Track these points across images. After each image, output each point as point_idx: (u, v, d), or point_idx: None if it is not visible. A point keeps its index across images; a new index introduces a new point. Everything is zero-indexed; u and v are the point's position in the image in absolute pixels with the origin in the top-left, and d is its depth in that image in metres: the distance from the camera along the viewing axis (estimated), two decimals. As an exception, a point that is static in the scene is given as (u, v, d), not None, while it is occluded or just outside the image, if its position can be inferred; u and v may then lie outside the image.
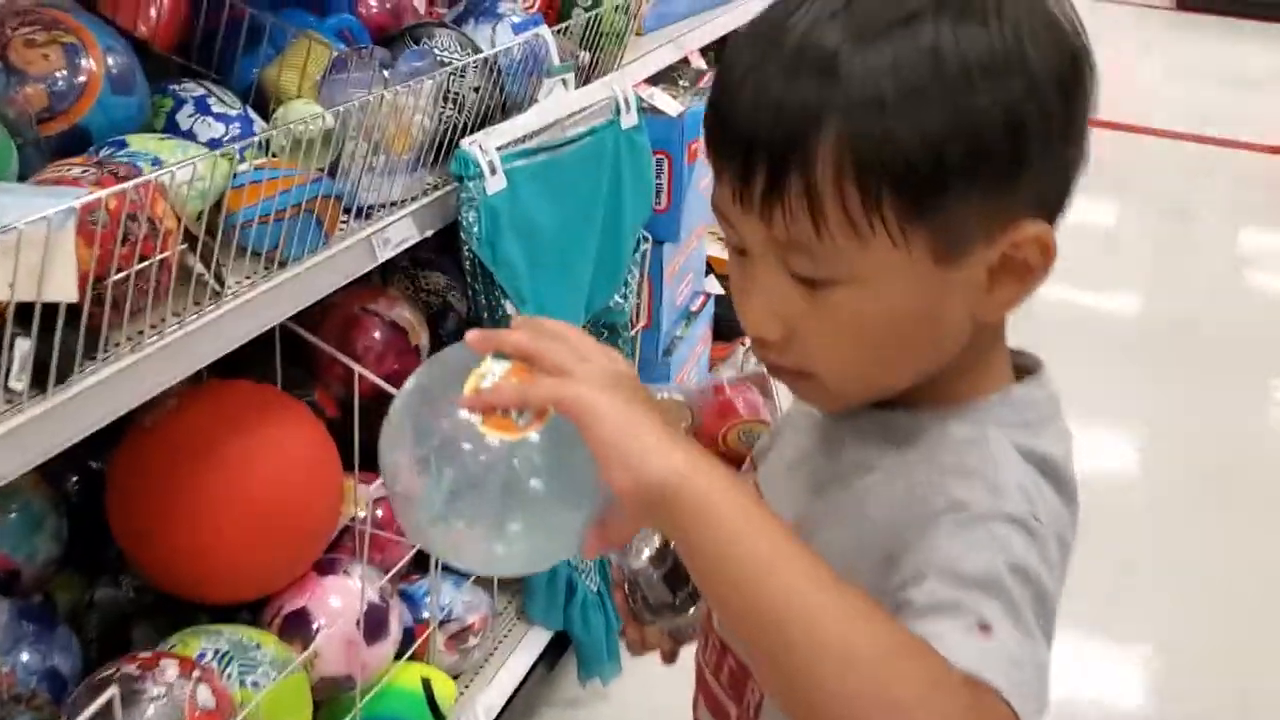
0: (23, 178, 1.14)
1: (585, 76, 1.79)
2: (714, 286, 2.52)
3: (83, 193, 0.97)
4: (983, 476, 0.67)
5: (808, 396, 0.76)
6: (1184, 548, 2.51)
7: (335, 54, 1.36)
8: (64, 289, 0.95)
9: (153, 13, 1.35)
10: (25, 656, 1.28)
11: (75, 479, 1.52)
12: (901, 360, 0.72)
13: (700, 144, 2.21)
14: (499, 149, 1.54)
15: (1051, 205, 0.70)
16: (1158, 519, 2.62)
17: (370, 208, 1.42)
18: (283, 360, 1.61)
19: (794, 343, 0.71)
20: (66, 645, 1.30)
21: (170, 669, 1.19)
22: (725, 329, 2.60)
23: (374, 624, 1.45)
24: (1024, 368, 0.77)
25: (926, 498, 0.67)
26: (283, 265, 1.26)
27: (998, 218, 0.67)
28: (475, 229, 1.52)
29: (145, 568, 1.39)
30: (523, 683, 1.81)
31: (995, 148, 0.65)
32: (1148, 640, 2.29)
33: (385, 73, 1.37)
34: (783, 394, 0.84)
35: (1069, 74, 0.68)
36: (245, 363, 1.57)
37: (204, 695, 1.18)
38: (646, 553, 0.86)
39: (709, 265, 2.52)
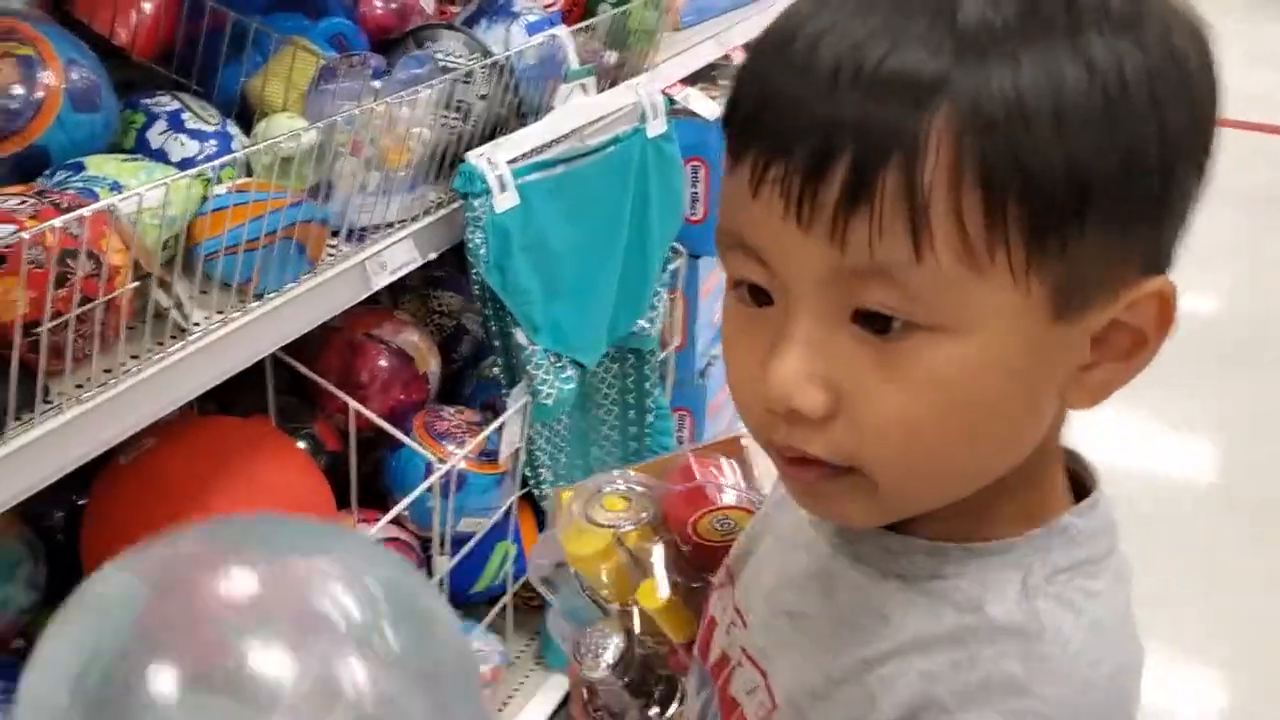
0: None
1: (613, 79, 1.66)
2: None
3: (4, 231, 0.86)
4: (1040, 696, 0.52)
5: (839, 506, 0.56)
6: (1268, 559, 2.33)
7: (323, 62, 1.24)
8: (-23, 342, 0.84)
9: (132, 17, 1.24)
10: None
11: (60, 514, 1.43)
12: (982, 449, 0.53)
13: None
14: (510, 162, 1.41)
15: (1170, 255, 0.54)
16: (1237, 528, 2.45)
17: (364, 229, 1.30)
18: (284, 388, 1.51)
19: (839, 420, 0.52)
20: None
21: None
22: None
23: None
24: (1073, 475, 0.60)
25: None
26: (259, 298, 1.15)
27: (1122, 266, 0.51)
28: (482, 251, 1.39)
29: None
30: (542, 731, 1.69)
31: (1145, 183, 0.50)
32: (1228, 659, 2.12)
33: (377, 82, 1.24)
34: (764, 465, 0.66)
35: (1214, 101, 0.53)
36: (243, 390, 1.47)
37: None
38: (607, 659, 0.73)
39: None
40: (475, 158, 1.38)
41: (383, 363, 1.54)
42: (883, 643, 0.57)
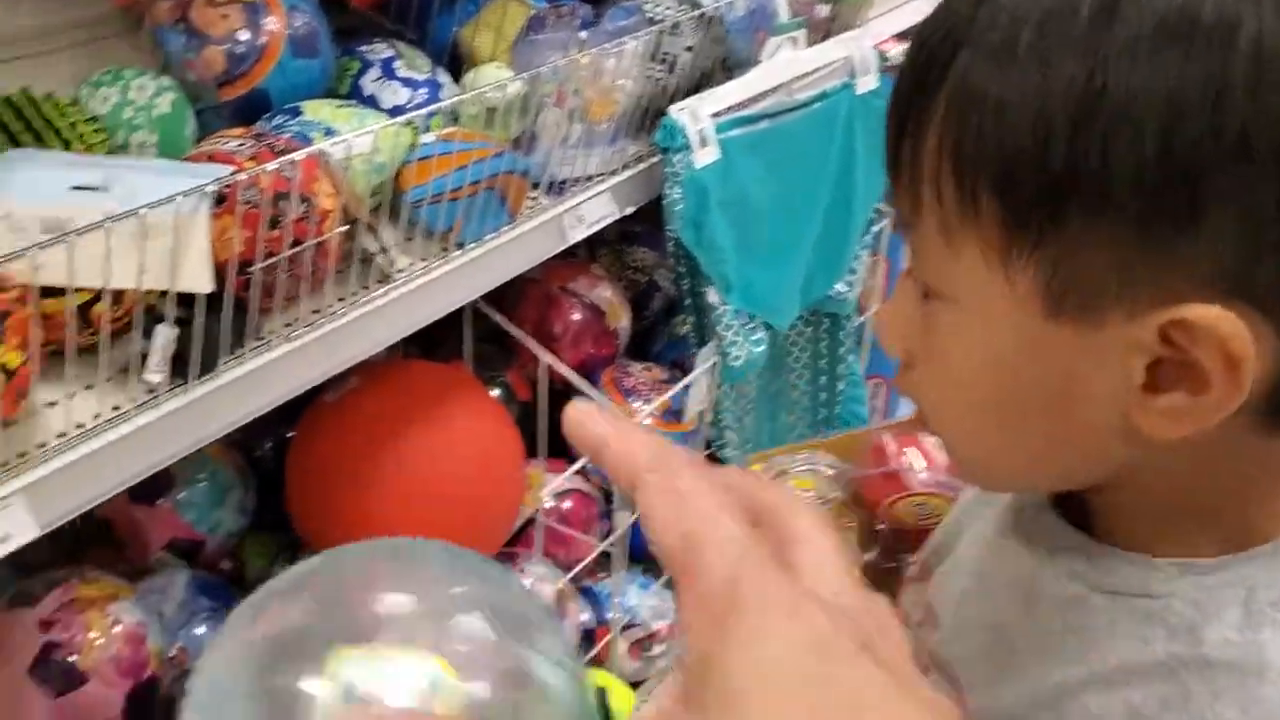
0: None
1: (824, 32, 1.60)
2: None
3: (223, 172, 0.89)
4: None
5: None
6: None
7: (533, 12, 1.24)
8: (197, 279, 0.87)
9: (352, -34, 1.27)
10: (200, 633, 1.26)
11: (269, 445, 1.50)
12: (1029, 436, 0.52)
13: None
14: (713, 116, 1.38)
15: (1261, 293, 0.45)
16: None
17: (564, 182, 1.30)
18: (481, 336, 1.54)
19: (911, 371, 0.56)
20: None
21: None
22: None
23: (547, 629, 1.35)
24: None
25: None
26: (460, 247, 1.16)
27: (1143, 279, 0.46)
28: (679, 207, 1.37)
29: (319, 546, 1.34)
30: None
31: (1150, 162, 0.44)
32: None
33: (584, 33, 1.23)
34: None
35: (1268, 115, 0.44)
36: (442, 337, 1.50)
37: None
38: None
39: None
40: (677, 111, 1.36)
41: (576, 316, 1.54)
42: (1087, 666, 0.52)
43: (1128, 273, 0.46)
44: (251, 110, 1.12)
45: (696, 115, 1.36)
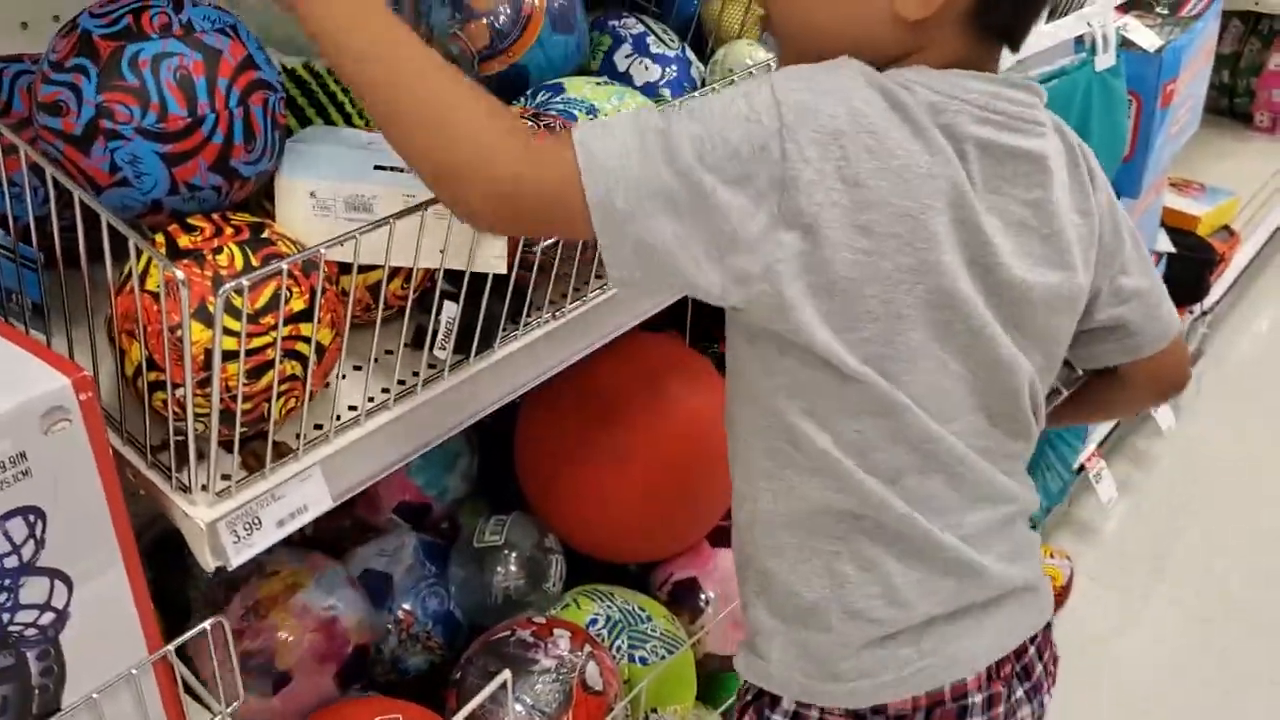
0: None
1: (1063, 8, 1.54)
2: (1165, 244, 2.19)
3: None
4: (798, 70, 0.76)
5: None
6: None
7: (784, -13, 1.21)
8: (493, 261, 0.88)
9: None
10: (425, 598, 1.29)
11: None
12: (814, 13, 0.80)
13: (1176, 86, 1.88)
14: (951, 94, 1.34)
15: None
16: None
17: (803, 159, 1.27)
18: (695, 307, 1.53)
19: None
20: (463, 588, 1.30)
21: (563, 640, 1.15)
22: (1177, 293, 2.27)
23: (765, 607, 1.35)
24: None
25: None
26: (709, 225, 1.15)
27: None
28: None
29: (543, 514, 1.36)
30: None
31: None
32: None
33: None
34: None
35: None
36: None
37: (592, 674, 1.13)
38: None
39: (1162, 220, 2.19)
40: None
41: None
42: None
43: None
44: (510, 86, 1.12)
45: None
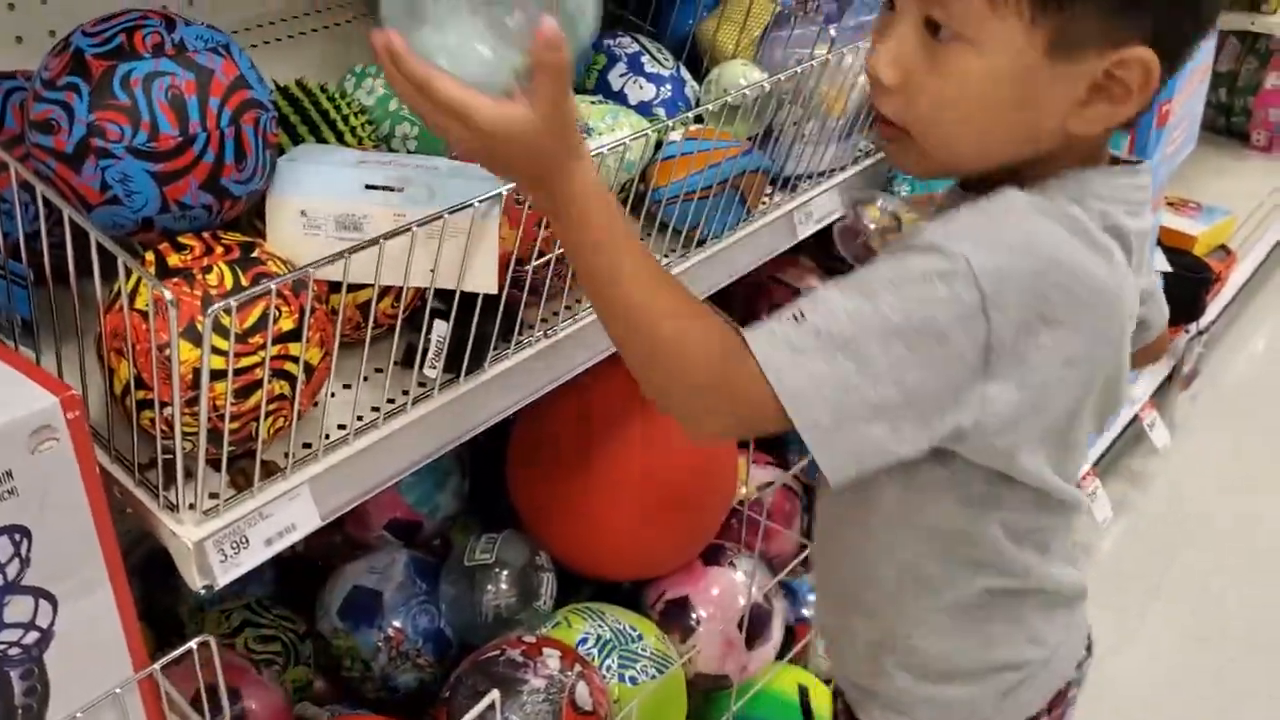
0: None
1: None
2: (1162, 263, 2.19)
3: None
4: (971, 224, 0.74)
5: (899, 156, 0.82)
6: None
7: (778, 8, 1.22)
8: (484, 281, 0.88)
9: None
10: (416, 616, 1.29)
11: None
12: (990, 135, 0.77)
13: (1172, 106, 1.88)
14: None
15: (1166, 47, 0.73)
16: None
17: (793, 178, 1.28)
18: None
19: (904, 92, 0.77)
20: (454, 606, 1.29)
21: (552, 659, 1.14)
22: (1174, 312, 2.26)
23: (756, 626, 1.36)
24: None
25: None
26: (701, 244, 1.16)
27: (1116, 34, 0.72)
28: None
29: (535, 532, 1.35)
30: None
31: None
32: None
33: (832, 29, 1.21)
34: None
35: None
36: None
37: (582, 694, 1.12)
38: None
39: (1158, 239, 2.19)
40: (911, 108, 1.32)
41: (783, 305, 1.52)
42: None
43: (1107, 29, 0.72)
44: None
45: (929, 112, 1.33)
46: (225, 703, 0.88)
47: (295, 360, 0.80)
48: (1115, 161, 0.82)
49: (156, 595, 1.30)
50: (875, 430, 0.72)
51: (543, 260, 0.95)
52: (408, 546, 1.36)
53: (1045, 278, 0.72)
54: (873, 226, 1.31)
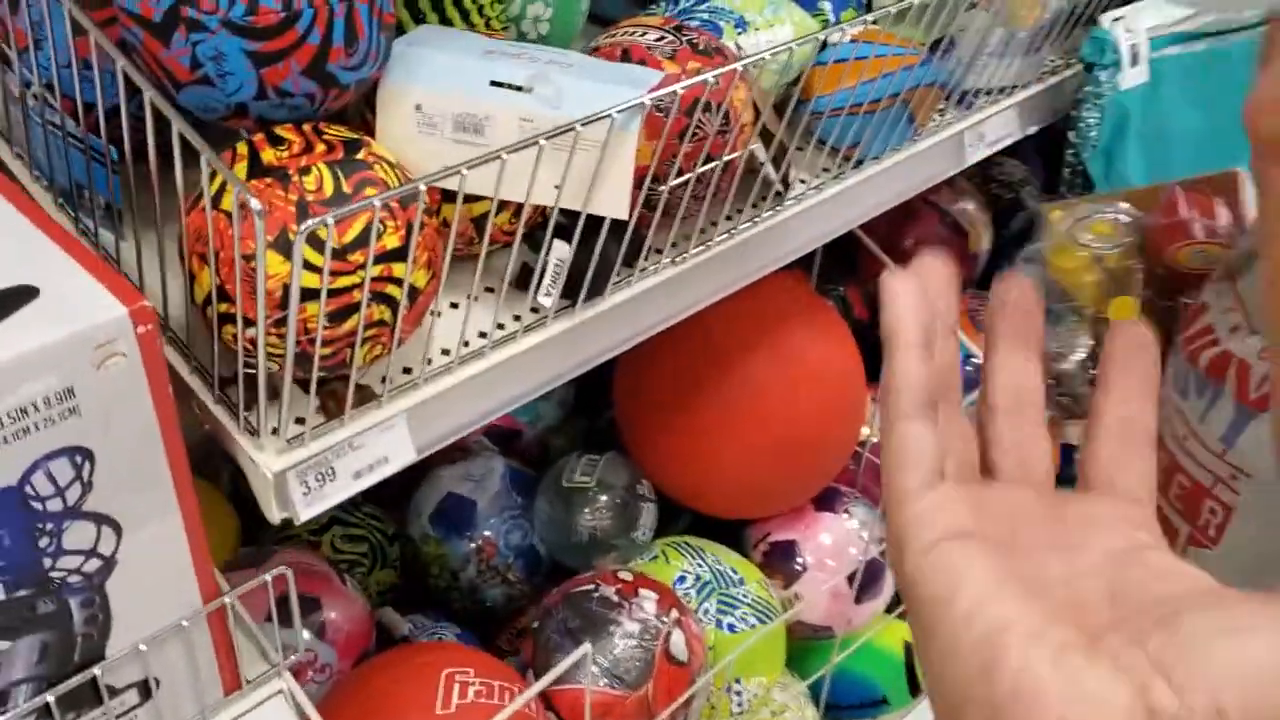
0: (597, 20, 0.98)
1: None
2: None
3: (654, 78, 0.77)
4: None
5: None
6: None
7: (975, -108, 1.05)
8: (615, 204, 0.77)
9: None
10: (509, 530, 1.22)
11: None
12: None
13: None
14: (1151, 30, 1.17)
15: None
16: None
17: (968, 94, 1.12)
18: (826, 247, 1.40)
19: None
20: (548, 525, 1.22)
21: (648, 603, 1.06)
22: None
23: (867, 579, 1.26)
24: None
25: None
26: (859, 165, 1.02)
27: None
28: (1093, 132, 1.18)
29: (639, 461, 1.26)
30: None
31: None
32: None
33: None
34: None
35: None
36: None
37: (677, 643, 1.04)
38: (1077, 356, 0.86)
39: None
40: (1111, 22, 1.15)
41: (936, 232, 1.38)
42: None
43: None
44: (650, -13, 0.99)
45: (1133, 28, 1.16)
46: (300, 637, 0.81)
47: (399, 283, 0.70)
48: None
49: (243, 477, 1.25)
50: None
51: (681, 180, 0.83)
52: (505, 455, 1.28)
53: None
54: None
